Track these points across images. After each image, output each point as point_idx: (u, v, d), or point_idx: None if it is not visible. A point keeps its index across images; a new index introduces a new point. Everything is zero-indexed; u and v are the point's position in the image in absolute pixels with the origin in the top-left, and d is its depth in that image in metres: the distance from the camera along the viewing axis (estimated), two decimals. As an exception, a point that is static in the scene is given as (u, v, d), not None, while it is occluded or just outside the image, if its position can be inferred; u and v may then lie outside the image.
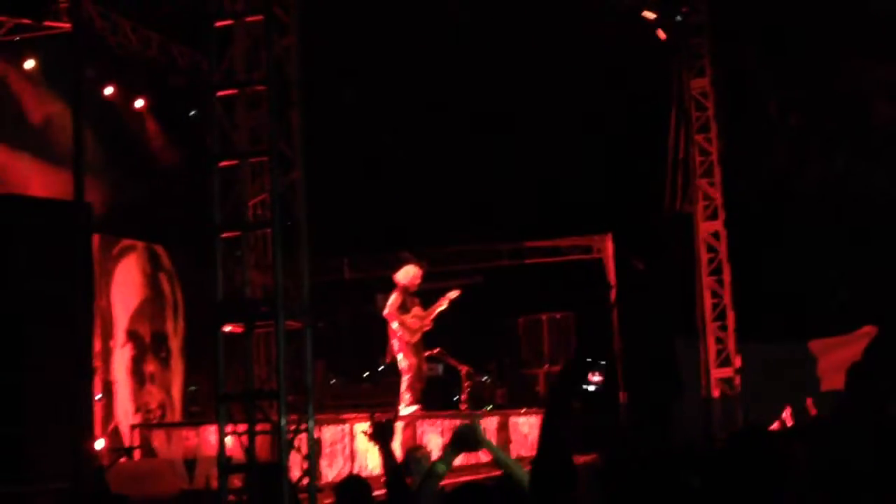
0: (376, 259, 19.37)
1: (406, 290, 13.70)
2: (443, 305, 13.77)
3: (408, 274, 13.81)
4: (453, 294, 13.90)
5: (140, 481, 11.22)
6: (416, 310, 13.66)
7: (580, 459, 5.74)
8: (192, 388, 17.11)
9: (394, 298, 13.59)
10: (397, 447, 12.16)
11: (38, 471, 9.06)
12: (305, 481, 9.14)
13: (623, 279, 19.38)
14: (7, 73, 15.34)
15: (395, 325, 13.54)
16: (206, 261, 9.57)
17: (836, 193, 18.59)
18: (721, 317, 17.76)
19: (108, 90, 16.54)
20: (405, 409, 13.27)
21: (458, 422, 13.84)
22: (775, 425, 11.77)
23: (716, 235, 17.85)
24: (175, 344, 16.94)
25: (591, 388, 17.51)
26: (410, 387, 13.50)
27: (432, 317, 13.74)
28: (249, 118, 9.50)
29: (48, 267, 9.37)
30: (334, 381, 18.71)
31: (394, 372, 14.13)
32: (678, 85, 18.00)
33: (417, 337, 13.64)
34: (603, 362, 18.06)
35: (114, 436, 15.06)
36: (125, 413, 15.69)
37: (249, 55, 9.45)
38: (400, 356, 13.61)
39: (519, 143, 19.41)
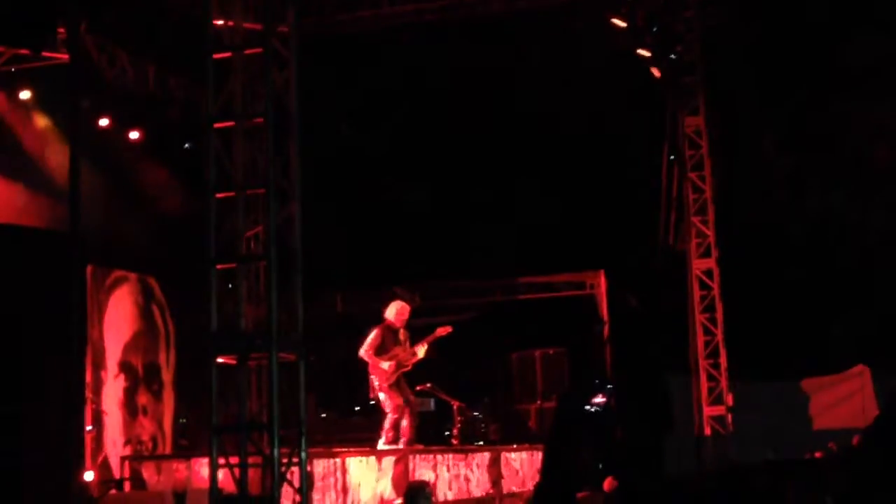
0: (369, 294, 19.31)
1: (390, 328, 13.52)
2: (428, 343, 13.59)
3: (393, 310, 13.66)
4: (442, 331, 13.74)
5: (130, 514, 11.16)
6: (397, 350, 13.41)
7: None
8: (182, 420, 17.02)
9: (371, 338, 13.30)
10: (389, 483, 12.10)
11: (28, 502, 9.00)
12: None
13: (616, 315, 19.36)
14: (2, 103, 15.34)
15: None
16: (198, 293, 9.53)
17: (830, 231, 18.64)
18: (713, 354, 17.75)
19: (104, 122, 16.51)
20: (382, 446, 13.16)
21: (450, 456, 13.80)
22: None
23: (709, 273, 17.87)
24: (167, 376, 16.86)
25: (594, 409, 17.38)
26: (393, 427, 13.36)
27: (417, 358, 13.53)
28: (246, 150, 9.52)
29: (42, 297, 9.33)
30: (325, 415, 18.62)
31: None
32: (671, 123, 18.08)
33: (394, 378, 13.40)
34: (609, 385, 17.92)
35: (103, 467, 14.95)
36: (114, 444, 15.59)
37: (247, 88, 9.47)
38: (382, 396, 13.43)
39: (513, 178, 19.44)
